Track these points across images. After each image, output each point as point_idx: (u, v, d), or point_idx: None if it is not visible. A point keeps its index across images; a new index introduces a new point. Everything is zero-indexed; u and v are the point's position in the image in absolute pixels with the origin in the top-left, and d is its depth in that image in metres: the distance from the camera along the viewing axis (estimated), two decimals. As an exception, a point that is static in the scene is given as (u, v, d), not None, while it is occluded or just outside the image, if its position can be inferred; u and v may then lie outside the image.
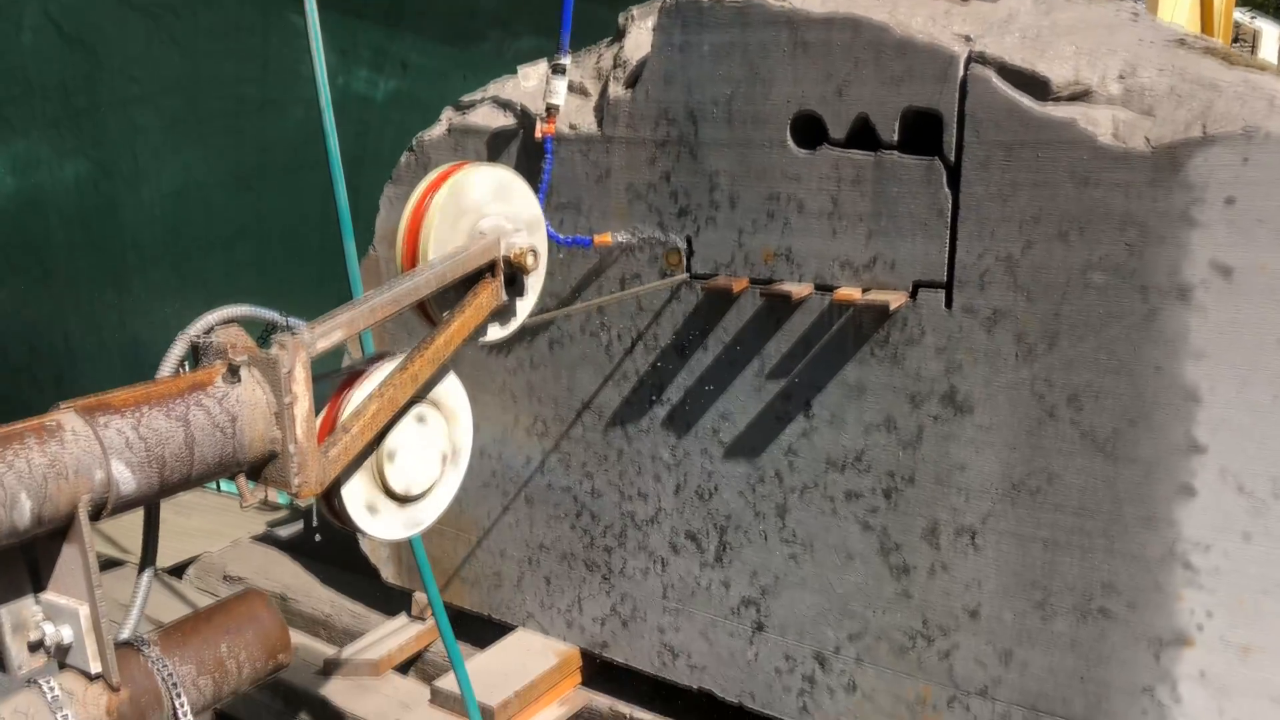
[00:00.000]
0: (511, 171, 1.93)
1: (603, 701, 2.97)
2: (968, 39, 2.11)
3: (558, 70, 2.57)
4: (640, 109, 2.52)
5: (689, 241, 2.52)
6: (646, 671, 2.88)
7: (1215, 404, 1.95)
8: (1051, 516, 2.16)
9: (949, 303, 2.19)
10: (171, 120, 5.17)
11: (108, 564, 3.98)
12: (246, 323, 1.65)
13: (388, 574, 3.42)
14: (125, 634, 1.52)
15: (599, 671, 3.06)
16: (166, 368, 1.56)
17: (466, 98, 2.97)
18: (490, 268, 1.84)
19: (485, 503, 3.09)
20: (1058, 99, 2.02)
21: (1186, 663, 2.07)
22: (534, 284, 1.98)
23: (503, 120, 2.79)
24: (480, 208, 1.86)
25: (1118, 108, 1.99)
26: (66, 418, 1.33)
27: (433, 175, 1.85)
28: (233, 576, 3.82)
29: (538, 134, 2.62)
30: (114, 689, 1.38)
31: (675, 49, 2.43)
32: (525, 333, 2.84)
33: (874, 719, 2.49)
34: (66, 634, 1.36)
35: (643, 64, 2.51)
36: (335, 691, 3.11)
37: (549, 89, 2.59)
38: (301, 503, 4.24)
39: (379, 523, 1.73)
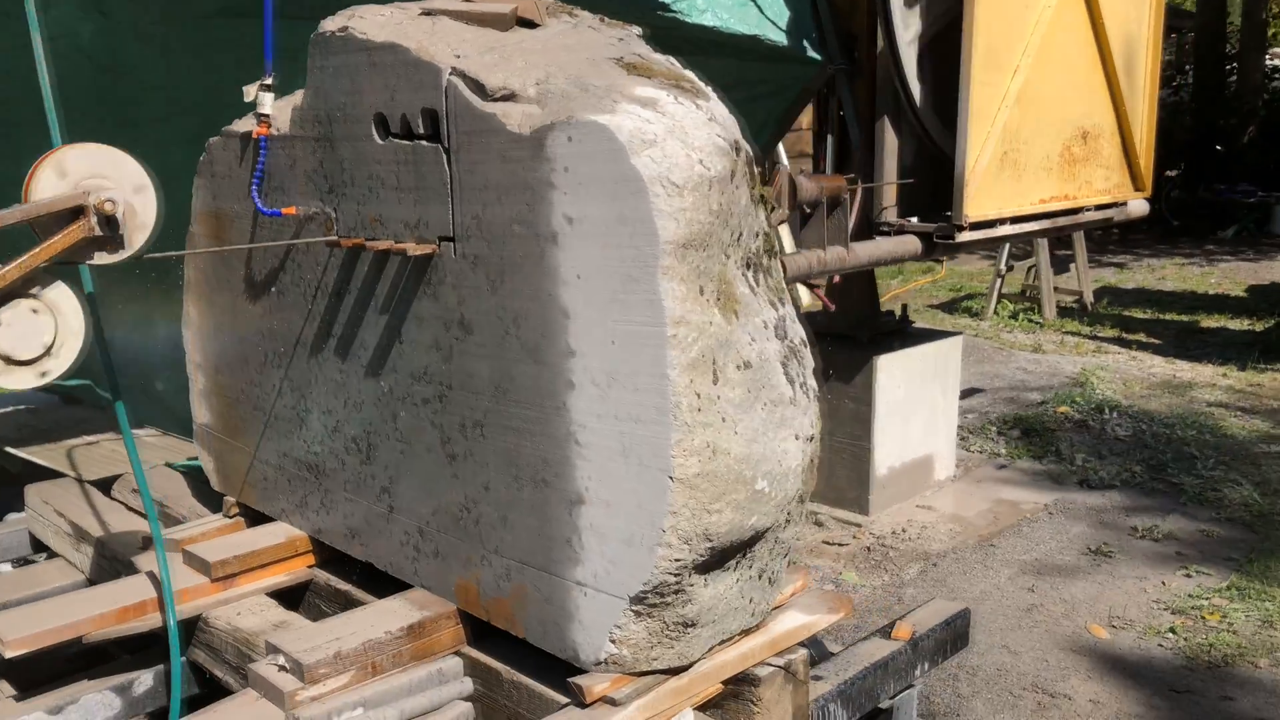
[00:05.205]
0: (112, 148, 2.86)
1: (321, 575, 3.83)
2: (458, 57, 2.90)
3: (265, 88, 3.50)
4: (306, 114, 3.41)
5: (336, 210, 3.38)
6: (340, 549, 3.72)
7: (579, 319, 2.65)
8: (515, 410, 2.89)
9: (455, 251, 2.97)
10: (193, 137, 6.39)
11: (52, 474, 5.13)
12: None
13: (214, 483, 4.39)
14: None
15: (333, 558, 3.91)
16: None
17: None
18: (82, 211, 2.77)
19: (255, 423, 4.01)
20: (494, 99, 2.78)
21: (584, 517, 2.76)
22: (138, 226, 2.90)
23: (248, 126, 3.74)
24: (83, 171, 2.80)
25: (530, 105, 2.74)
26: None
27: (51, 150, 2.80)
28: (139, 489, 4.87)
29: (254, 135, 3.55)
30: None
31: (318, 69, 3.31)
32: (268, 288, 3.76)
33: (449, 575, 3.24)
34: None
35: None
36: (144, 560, 4.08)
37: (259, 101, 3.52)
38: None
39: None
